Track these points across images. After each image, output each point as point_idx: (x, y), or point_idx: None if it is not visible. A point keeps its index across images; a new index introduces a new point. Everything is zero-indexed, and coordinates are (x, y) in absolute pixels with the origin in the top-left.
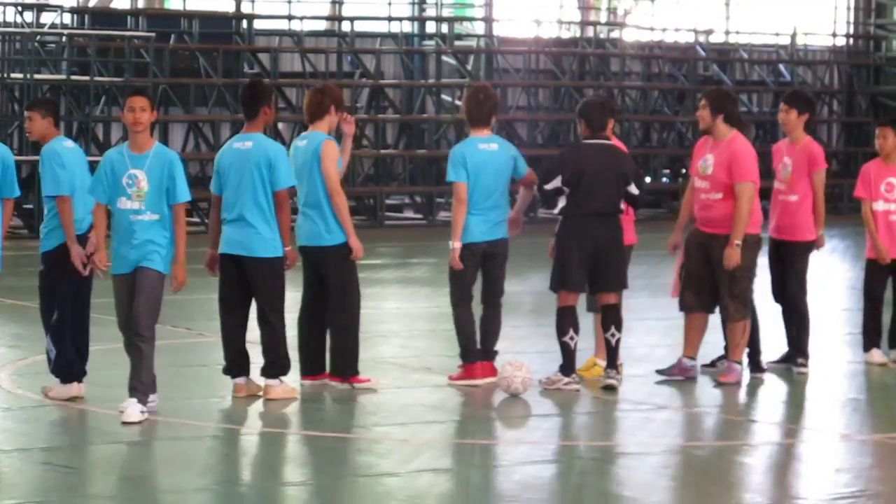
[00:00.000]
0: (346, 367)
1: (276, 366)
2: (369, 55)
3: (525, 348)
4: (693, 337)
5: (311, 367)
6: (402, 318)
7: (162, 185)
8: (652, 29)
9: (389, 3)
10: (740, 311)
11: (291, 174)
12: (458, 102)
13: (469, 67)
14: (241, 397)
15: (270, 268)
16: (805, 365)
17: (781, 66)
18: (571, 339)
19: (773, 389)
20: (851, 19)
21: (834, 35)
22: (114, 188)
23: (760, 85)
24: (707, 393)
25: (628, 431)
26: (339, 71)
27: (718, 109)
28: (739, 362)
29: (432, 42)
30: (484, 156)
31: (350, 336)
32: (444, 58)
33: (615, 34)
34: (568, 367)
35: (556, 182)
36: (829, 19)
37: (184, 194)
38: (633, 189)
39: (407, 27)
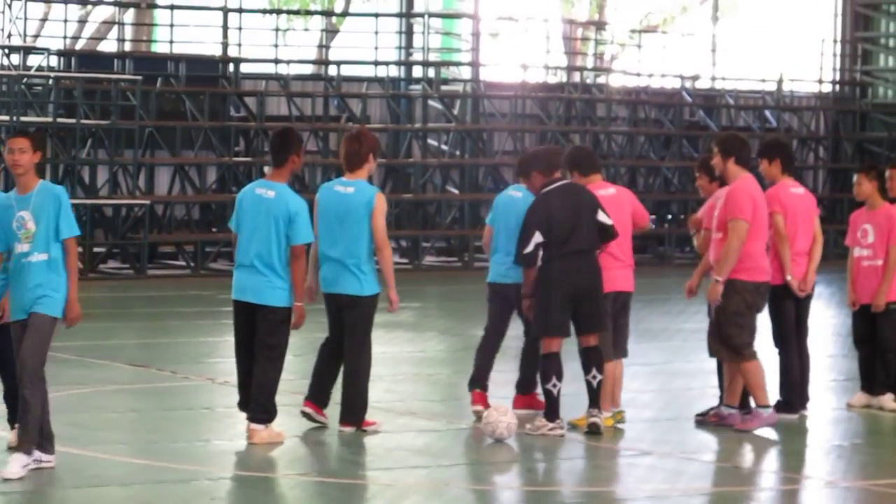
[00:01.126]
0: (358, 415)
1: (263, 411)
2: (356, 99)
3: (509, 393)
4: (732, 384)
5: (315, 397)
6: (386, 362)
7: (50, 223)
8: (638, 74)
9: (376, 48)
10: (731, 356)
11: (310, 230)
12: (444, 147)
13: (455, 112)
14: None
15: (278, 316)
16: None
17: (767, 112)
18: (555, 386)
19: (760, 436)
20: (838, 65)
21: (820, 81)
22: (8, 234)
23: (746, 131)
24: (694, 439)
25: (613, 478)
26: (326, 115)
27: (729, 153)
28: (766, 406)
29: (419, 86)
30: (506, 200)
31: (364, 384)
32: (431, 102)
33: (601, 79)
34: (552, 412)
35: (537, 238)
36: (816, 65)
37: (71, 229)
38: (604, 217)
39: (393, 71)
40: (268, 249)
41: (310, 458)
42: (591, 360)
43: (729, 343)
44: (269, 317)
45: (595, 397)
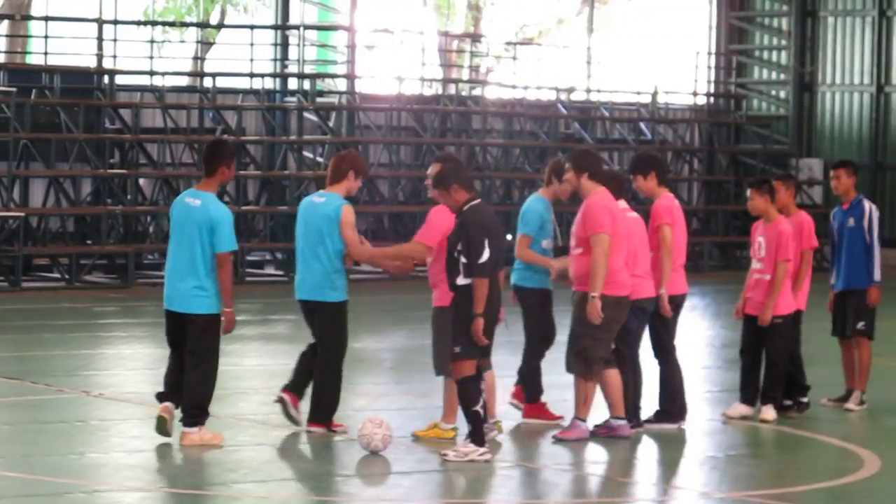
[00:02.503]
0: (327, 415)
1: (192, 415)
2: (231, 111)
3: (385, 405)
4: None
5: (293, 388)
6: (262, 375)
7: None
8: (514, 86)
9: (251, 60)
10: (583, 370)
11: (233, 238)
12: (319, 159)
13: (331, 124)
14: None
15: (203, 323)
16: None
17: (642, 124)
18: (482, 407)
19: (637, 446)
20: (712, 78)
21: (695, 94)
22: None
23: (621, 143)
24: (570, 450)
25: (487, 489)
26: (201, 127)
27: (582, 169)
28: (583, 420)
29: (294, 98)
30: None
31: (335, 385)
32: (306, 114)
33: (477, 91)
34: (480, 437)
35: (488, 249)
36: (691, 78)
37: None
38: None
39: (269, 83)
40: (192, 257)
41: (185, 471)
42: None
43: (582, 356)
44: (194, 324)
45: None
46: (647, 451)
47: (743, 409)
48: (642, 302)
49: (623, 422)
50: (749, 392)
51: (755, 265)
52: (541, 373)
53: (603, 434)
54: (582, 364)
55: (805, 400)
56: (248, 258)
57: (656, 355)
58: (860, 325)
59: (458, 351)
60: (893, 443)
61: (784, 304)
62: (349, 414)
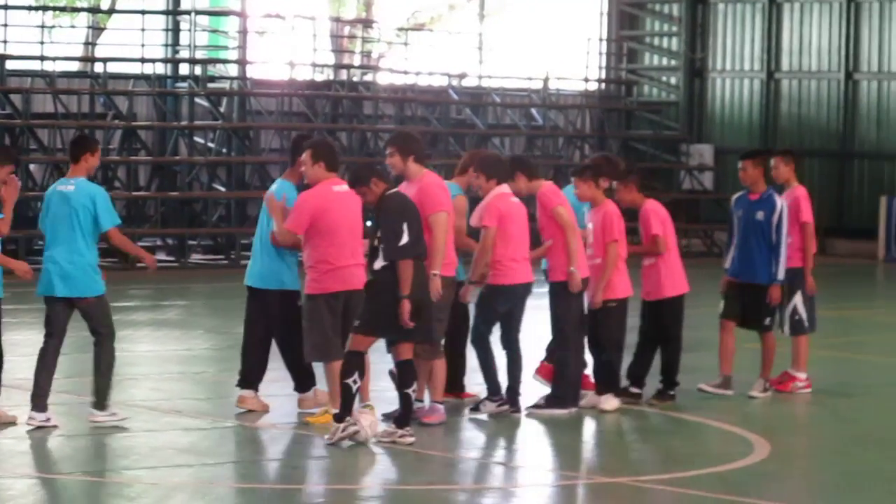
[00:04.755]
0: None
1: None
2: (122, 97)
3: (277, 391)
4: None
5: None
6: (153, 361)
7: None
8: (405, 72)
9: (143, 45)
10: (427, 351)
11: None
12: (210, 144)
13: (222, 109)
14: None
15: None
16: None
17: (534, 110)
18: (355, 382)
19: (528, 432)
20: (604, 64)
21: (586, 80)
22: None
23: (513, 128)
24: (461, 436)
25: (376, 473)
26: (92, 112)
27: (407, 152)
28: (441, 402)
29: (185, 84)
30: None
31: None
32: (197, 100)
33: (369, 77)
34: (346, 409)
35: (406, 233)
36: (582, 64)
37: None
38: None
39: (160, 69)
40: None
41: (75, 457)
42: (411, 373)
43: (430, 337)
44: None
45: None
46: (539, 437)
47: (594, 401)
48: (517, 287)
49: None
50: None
51: (587, 251)
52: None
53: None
54: (427, 346)
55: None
56: (140, 244)
57: (555, 340)
58: (767, 321)
59: (357, 324)
60: (783, 428)
61: (619, 287)
62: (233, 399)
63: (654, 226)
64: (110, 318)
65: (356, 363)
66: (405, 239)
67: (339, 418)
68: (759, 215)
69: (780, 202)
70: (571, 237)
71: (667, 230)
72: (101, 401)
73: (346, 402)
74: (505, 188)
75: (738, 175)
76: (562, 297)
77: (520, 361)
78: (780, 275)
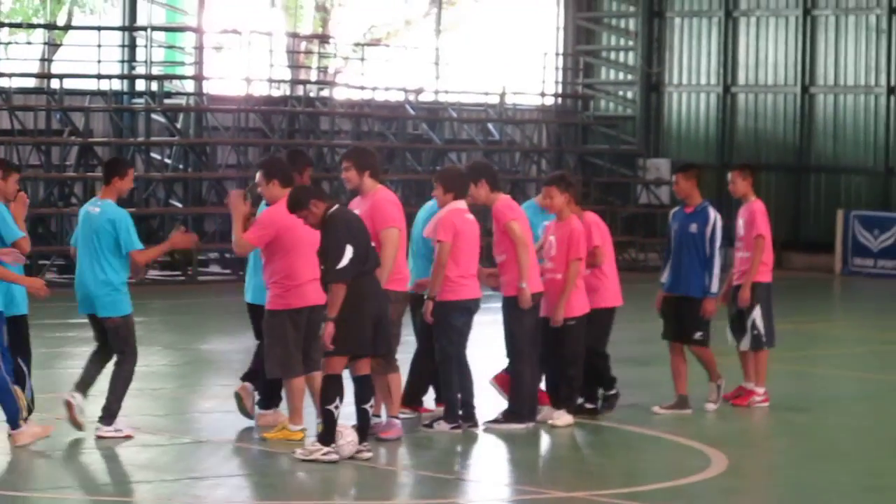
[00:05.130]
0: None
1: (11, 417)
2: (78, 113)
3: (235, 407)
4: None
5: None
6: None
7: None
8: (362, 87)
9: (99, 61)
10: (381, 366)
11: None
12: (167, 160)
13: (179, 125)
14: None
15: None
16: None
17: (490, 125)
18: (336, 408)
19: (483, 446)
20: (560, 79)
21: (543, 94)
22: None
23: (469, 143)
24: (417, 451)
25: (318, 488)
26: (48, 128)
27: (364, 167)
28: (398, 416)
29: (142, 100)
30: None
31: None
32: (154, 116)
33: (325, 92)
34: (329, 436)
35: (349, 253)
36: (538, 79)
37: None
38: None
39: (116, 85)
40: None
41: (32, 474)
42: (369, 388)
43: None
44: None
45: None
46: (496, 451)
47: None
48: (468, 302)
49: (398, 422)
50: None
51: (546, 265)
52: None
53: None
54: (383, 361)
55: (613, 392)
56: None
57: (509, 355)
58: (697, 335)
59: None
60: (740, 441)
61: (577, 304)
62: (196, 416)
63: (594, 237)
64: (133, 339)
65: (335, 388)
66: (345, 261)
67: (324, 441)
68: (693, 228)
69: (714, 215)
70: (523, 253)
71: (605, 242)
72: (108, 417)
73: (329, 428)
74: (461, 204)
75: (673, 188)
76: (515, 312)
77: (470, 376)
78: (714, 288)
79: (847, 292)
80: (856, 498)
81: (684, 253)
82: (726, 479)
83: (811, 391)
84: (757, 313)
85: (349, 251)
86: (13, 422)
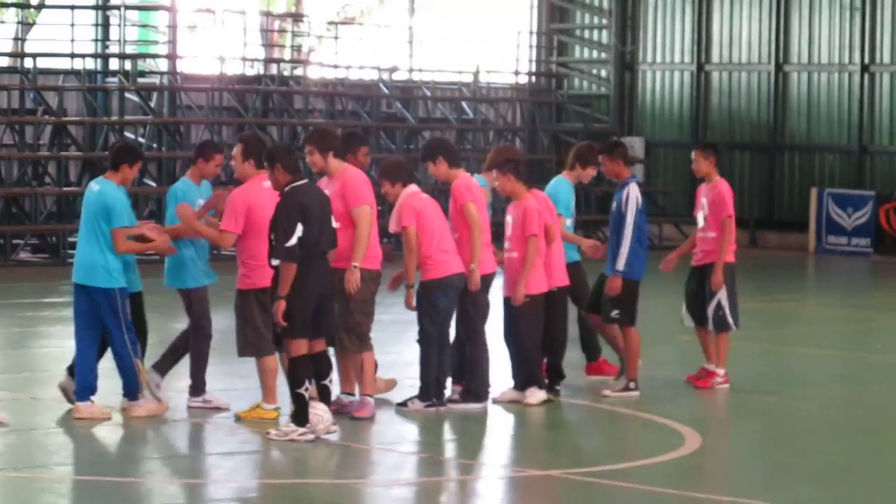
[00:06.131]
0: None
1: (131, 390)
2: (52, 92)
3: (208, 387)
4: (348, 373)
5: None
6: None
7: None
8: (336, 66)
9: (72, 40)
10: (355, 345)
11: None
12: (141, 139)
13: (152, 104)
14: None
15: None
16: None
17: (464, 104)
18: (306, 389)
19: (448, 425)
20: (534, 57)
21: (516, 73)
22: None
23: (444, 122)
24: (391, 429)
25: (310, 471)
26: (22, 108)
27: (326, 148)
28: (371, 395)
29: (115, 79)
30: None
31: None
32: (128, 95)
33: (299, 71)
34: (303, 417)
35: (298, 232)
36: (512, 57)
37: None
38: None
39: (90, 64)
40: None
41: (6, 453)
42: (327, 364)
43: (356, 331)
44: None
45: (329, 401)
46: (469, 431)
47: (513, 395)
48: (451, 279)
49: (355, 398)
50: (521, 378)
51: (506, 245)
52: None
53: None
54: (357, 340)
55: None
56: (70, 239)
57: (464, 334)
58: (614, 313)
59: (283, 331)
60: (714, 420)
61: (532, 283)
62: (169, 395)
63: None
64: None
65: (304, 370)
66: (293, 240)
67: (298, 422)
68: (613, 206)
69: (629, 191)
70: (476, 235)
71: (552, 222)
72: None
73: (302, 409)
74: (413, 187)
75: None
76: (469, 292)
77: (448, 356)
78: (620, 265)
79: (821, 271)
80: (827, 477)
81: (611, 230)
82: (700, 457)
83: (784, 370)
84: (722, 294)
85: (299, 230)
86: (132, 394)
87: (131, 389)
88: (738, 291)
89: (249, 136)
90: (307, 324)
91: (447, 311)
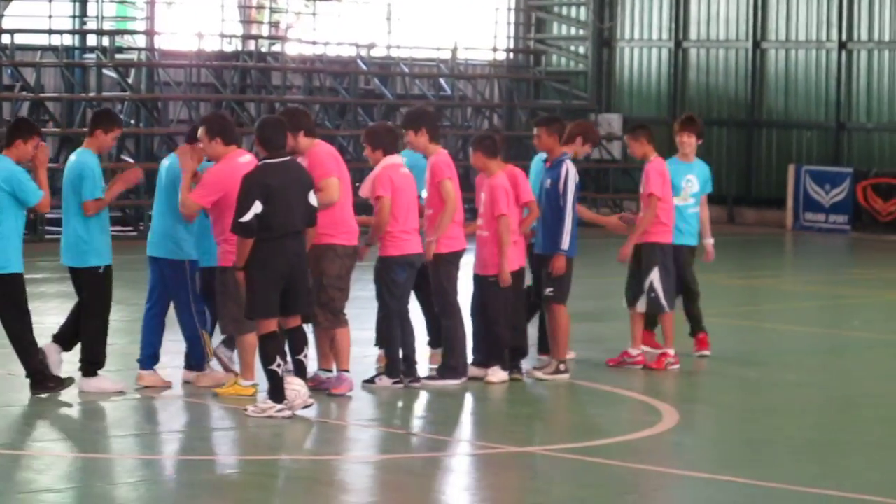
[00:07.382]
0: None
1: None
2: (29, 68)
3: None
4: (325, 348)
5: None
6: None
7: None
8: (314, 43)
9: (50, 17)
10: (329, 320)
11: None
12: (119, 116)
13: (130, 81)
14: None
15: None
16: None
17: (442, 81)
18: (279, 366)
19: (421, 402)
20: (512, 34)
21: (494, 49)
22: None
23: (422, 99)
24: (368, 407)
25: (285, 446)
26: (0, 85)
27: (296, 128)
28: (348, 370)
29: (93, 55)
30: None
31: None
32: (106, 71)
33: (277, 48)
34: (278, 393)
35: (256, 209)
36: (490, 34)
37: None
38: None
39: (68, 40)
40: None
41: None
42: (302, 340)
43: (330, 307)
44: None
45: (304, 376)
46: (445, 407)
47: (476, 372)
48: (410, 257)
49: (332, 375)
50: (482, 354)
51: (479, 221)
52: None
53: (310, 386)
54: (331, 316)
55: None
56: (48, 216)
57: (440, 309)
58: (548, 290)
59: (247, 311)
60: (691, 396)
61: (507, 260)
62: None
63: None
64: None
65: (273, 348)
66: (249, 216)
67: (275, 399)
68: (548, 183)
69: (567, 168)
70: (447, 213)
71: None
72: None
73: (277, 386)
74: (395, 158)
75: (534, 143)
76: (443, 269)
77: (412, 331)
78: (565, 244)
79: (798, 247)
80: (804, 452)
81: (545, 209)
82: (677, 433)
83: (761, 346)
84: (655, 275)
85: (256, 207)
86: (199, 365)
87: (198, 360)
88: (672, 272)
89: (209, 115)
90: (271, 303)
91: (405, 287)
